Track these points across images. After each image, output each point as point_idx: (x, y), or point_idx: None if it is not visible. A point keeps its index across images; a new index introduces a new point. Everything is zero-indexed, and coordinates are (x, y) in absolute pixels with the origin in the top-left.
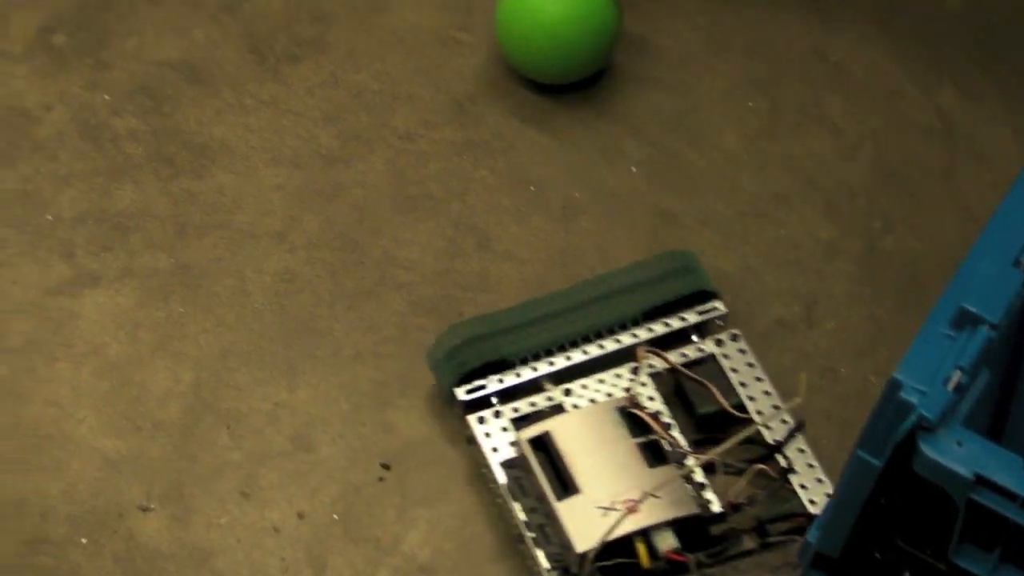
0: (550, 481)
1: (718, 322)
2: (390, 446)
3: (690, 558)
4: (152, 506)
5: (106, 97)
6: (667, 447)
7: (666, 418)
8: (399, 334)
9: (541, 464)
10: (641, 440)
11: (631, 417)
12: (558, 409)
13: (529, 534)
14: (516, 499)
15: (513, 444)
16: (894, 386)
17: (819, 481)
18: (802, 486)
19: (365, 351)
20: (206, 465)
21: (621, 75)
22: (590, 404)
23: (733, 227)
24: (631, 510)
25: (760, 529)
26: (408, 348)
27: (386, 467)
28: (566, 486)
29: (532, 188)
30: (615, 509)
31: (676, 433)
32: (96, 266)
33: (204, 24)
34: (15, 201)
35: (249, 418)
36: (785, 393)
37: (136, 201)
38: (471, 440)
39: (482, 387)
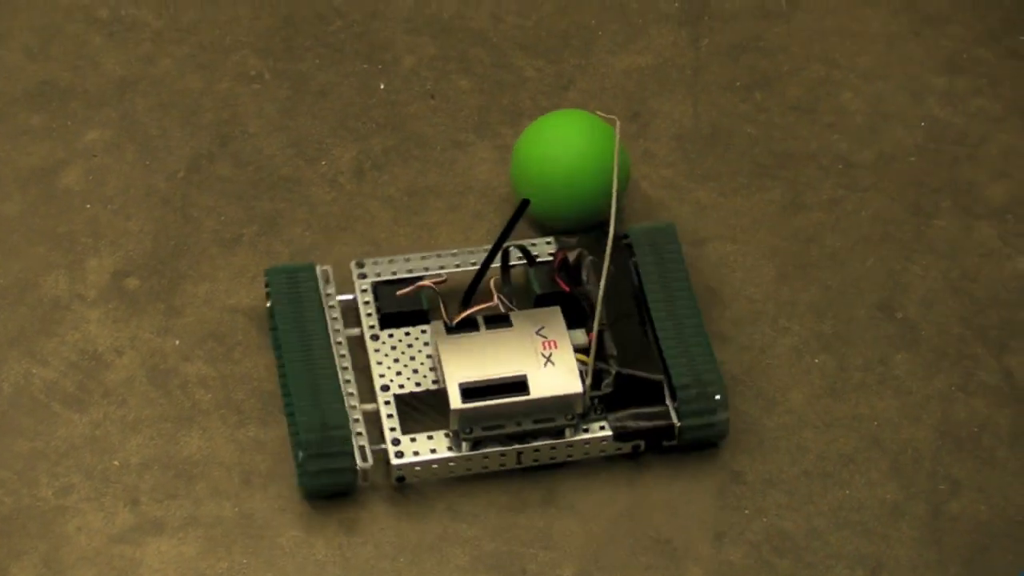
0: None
1: None
2: None
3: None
4: None
5: (177, 343)
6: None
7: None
8: None
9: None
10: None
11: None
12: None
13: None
14: None
15: None
16: None
17: None
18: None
19: None
20: None
21: None
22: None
23: (798, 487)
24: (552, 344)
25: None
26: None
27: None
28: (518, 386)
29: None
30: (548, 355)
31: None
32: (160, 513)
33: None
34: (84, 446)
35: None
36: None
37: (203, 448)
38: None
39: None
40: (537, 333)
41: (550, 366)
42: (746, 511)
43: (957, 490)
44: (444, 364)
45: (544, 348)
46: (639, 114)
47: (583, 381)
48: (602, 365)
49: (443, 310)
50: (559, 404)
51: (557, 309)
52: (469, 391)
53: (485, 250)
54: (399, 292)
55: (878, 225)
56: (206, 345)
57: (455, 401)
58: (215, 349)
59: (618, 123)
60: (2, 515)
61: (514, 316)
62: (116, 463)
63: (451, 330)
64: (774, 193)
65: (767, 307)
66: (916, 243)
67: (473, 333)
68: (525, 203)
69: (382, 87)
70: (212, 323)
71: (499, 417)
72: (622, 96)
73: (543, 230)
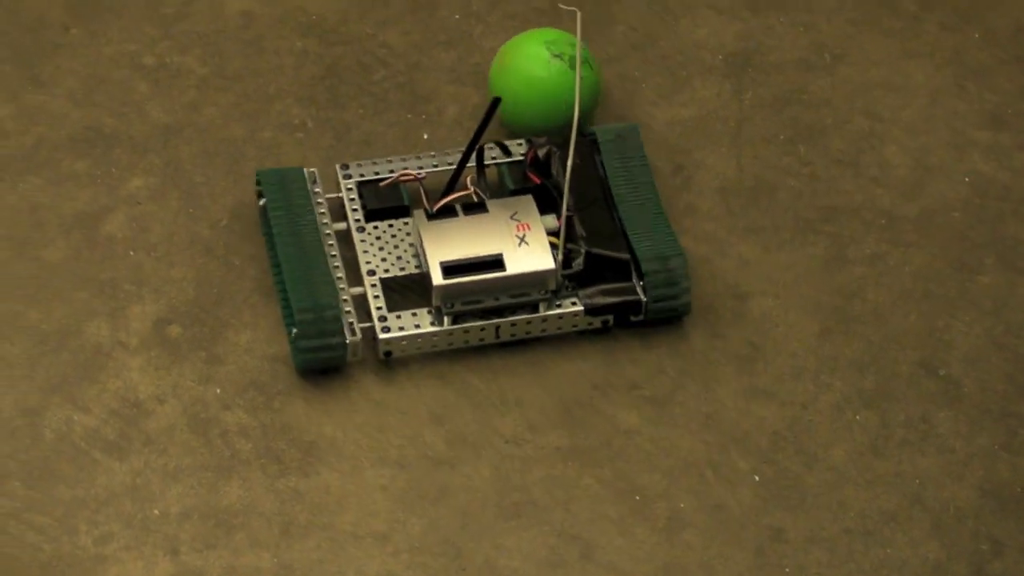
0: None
1: None
2: None
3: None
4: None
5: (217, 391)
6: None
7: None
8: None
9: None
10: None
11: (444, 210)
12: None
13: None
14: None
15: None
16: None
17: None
18: None
19: None
20: None
21: (731, 388)
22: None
23: (839, 545)
24: (526, 227)
25: None
26: None
27: None
28: (495, 264)
29: (637, 498)
30: (522, 236)
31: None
32: (200, 563)
33: None
34: (124, 495)
35: None
36: None
37: (242, 498)
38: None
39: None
40: (511, 218)
41: (524, 246)
42: (787, 569)
43: (1000, 550)
44: (426, 245)
45: (518, 230)
46: (682, 167)
47: (555, 259)
48: (572, 246)
49: (424, 198)
50: (534, 280)
51: (529, 197)
52: (450, 269)
53: (461, 151)
54: (382, 183)
55: (921, 281)
56: (247, 394)
57: (437, 278)
58: (256, 398)
59: (580, 14)
60: (41, 562)
61: (490, 203)
62: (156, 512)
63: (432, 216)
64: (817, 247)
65: (809, 362)
66: (959, 299)
67: (452, 219)
68: (496, 101)
69: (426, 137)
70: (253, 372)
71: (478, 292)
72: (665, 148)
73: (514, 134)
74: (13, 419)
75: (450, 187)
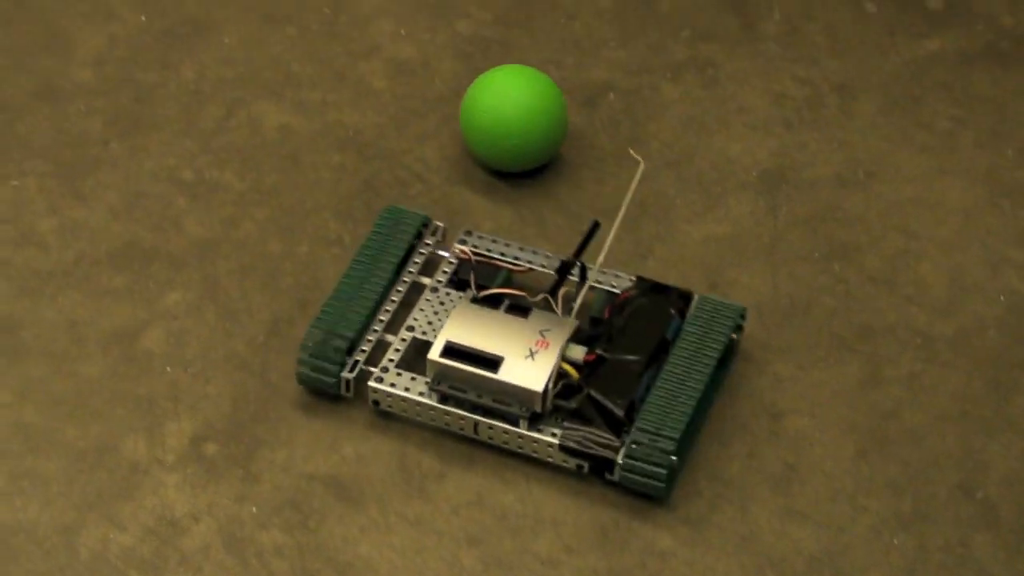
0: (477, 368)
1: None
2: None
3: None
4: None
5: (253, 510)
6: (523, 302)
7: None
8: None
9: (462, 363)
10: (503, 302)
11: (487, 299)
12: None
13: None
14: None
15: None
16: None
17: None
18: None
19: None
20: None
21: (767, 509)
22: (456, 304)
23: None
24: (544, 345)
25: None
26: None
27: None
28: (491, 363)
29: None
30: (534, 352)
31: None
32: None
33: (354, 439)
34: None
35: None
36: None
37: None
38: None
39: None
40: (540, 332)
41: (529, 360)
42: None
43: None
44: (447, 322)
45: (536, 345)
46: (717, 284)
47: (548, 385)
48: (582, 382)
49: (472, 282)
50: (519, 395)
51: (573, 321)
52: (450, 350)
53: (574, 262)
54: (459, 255)
55: (958, 401)
56: (283, 513)
57: (434, 353)
58: (292, 517)
59: (642, 164)
60: None
61: (535, 312)
62: None
63: (475, 301)
64: (852, 367)
65: (845, 484)
66: (996, 420)
67: (491, 310)
68: (596, 224)
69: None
70: (289, 490)
71: (465, 383)
72: (700, 265)
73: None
74: (49, 537)
75: (550, 293)
